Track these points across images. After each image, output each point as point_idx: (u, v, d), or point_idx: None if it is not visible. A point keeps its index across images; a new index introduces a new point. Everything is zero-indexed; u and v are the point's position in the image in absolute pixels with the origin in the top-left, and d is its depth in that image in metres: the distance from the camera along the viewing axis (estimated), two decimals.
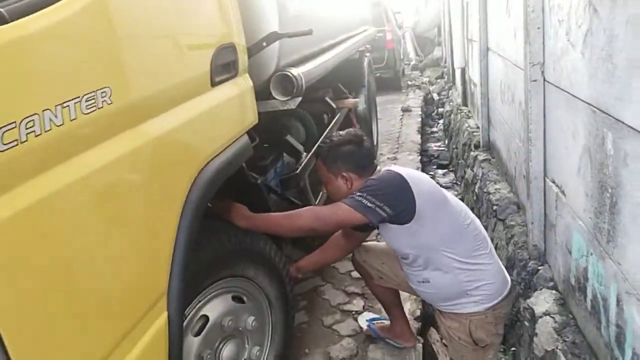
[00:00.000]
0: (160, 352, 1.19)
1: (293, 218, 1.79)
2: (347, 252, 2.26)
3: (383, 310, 2.41)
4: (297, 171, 2.37)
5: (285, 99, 2.25)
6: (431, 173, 6.25)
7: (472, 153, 5.23)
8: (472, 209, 4.77)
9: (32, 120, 0.83)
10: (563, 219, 2.28)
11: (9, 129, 0.79)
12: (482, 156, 4.90)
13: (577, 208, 2.04)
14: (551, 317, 2.26)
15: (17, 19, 0.85)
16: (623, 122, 1.50)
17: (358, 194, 1.70)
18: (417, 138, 6.62)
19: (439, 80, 11.05)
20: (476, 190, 4.64)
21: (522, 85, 2.73)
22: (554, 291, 2.42)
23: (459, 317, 1.87)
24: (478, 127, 5.49)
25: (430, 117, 9.18)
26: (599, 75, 1.68)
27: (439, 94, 9.99)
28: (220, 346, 1.66)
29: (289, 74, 2.23)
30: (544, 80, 2.43)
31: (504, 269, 1.96)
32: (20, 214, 0.81)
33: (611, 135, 1.60)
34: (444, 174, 6.27)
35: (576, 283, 2.11)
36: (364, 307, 2.69)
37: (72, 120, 0.93)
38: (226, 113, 1.68)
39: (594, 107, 1.75)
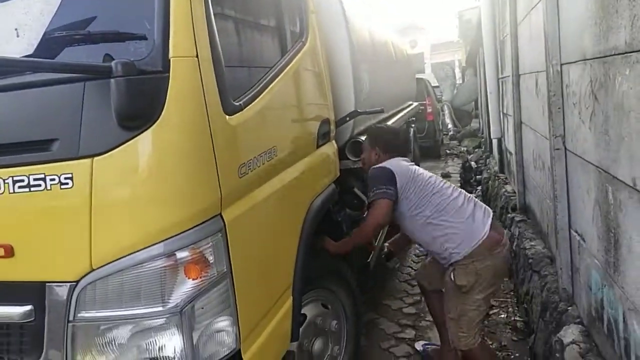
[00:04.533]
0: (288, 319, 1.79)
1: (362, 234, 2.51)
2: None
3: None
4: (364, 215, 2.97)
5: (356, 160, 2.91)
6: None
7: (509, 215, 5.70)
8: (510, 266, 5.19)
9: (249, 162, 1.51)
10: (584, 262, 2.76)
11: (242, 166, 1.46)
12: (518, 217, 5.36)
13: (593, 250, 2.54)
14: (577, 344, 2.68)
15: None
16: (617, 178, 2.06)
17: (375, 189, 2.43)
18: None
19: (476, 150, 11.64)
20: (514, 247, 5.07)
21: (549, 153, 3.30)
22: (580, 325, 2.85)
23: (447, 269, 2.49)
24: (514, 192, 5.98)
25: (468, 184, 9.66)
26: (601, 145, 2.26)
27: (476, 162, 10.53)
28: (313, 340, 2.21)
29: (360, 140, 2.90)
30: (565, 149, 3.00)
31: (476, 226, 2.47)
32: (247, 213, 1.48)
33: (611, 188, 2.15)
34: None
35: (596, 314, 2.56)
36: (415, 335, 3.16)
37: (262, 164, 1.60)
38: (322, 167, 2.35)
39: (600, 168, 2.31)
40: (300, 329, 2.12)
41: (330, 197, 2.32)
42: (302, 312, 2.17)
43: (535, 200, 4.78)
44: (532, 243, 4.56)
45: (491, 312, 4.22)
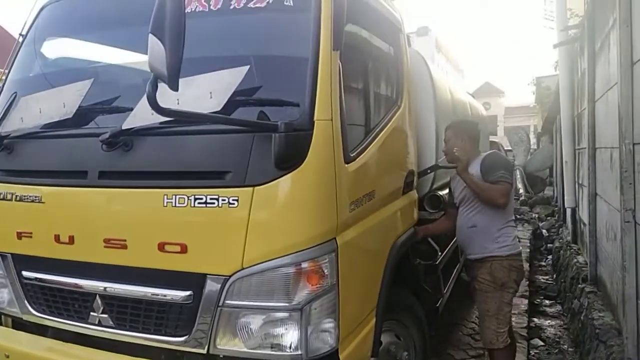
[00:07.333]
0: (370, 338, 2.12)
1: (490, 193, 2.76)
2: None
3: None
4: (436, 262, 3.27)
5: (433, 211, 3.26)
6: (537, 301, 6.64)
7: (579, 286, 5.67)
8: (577, 336, 5.14)
9: (357, 201, 1.93)
10: None
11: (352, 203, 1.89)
12: (588, 288, 5.34)
13: None
14: None
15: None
16: None
17: (504, 172, 2.77)
18: (525, 266, 7.10)
19: (549, 218, 11.42)
20: (582, 318, 5.05)
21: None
22: None
23: (485, 262, 2.83)
24: (586, 264, 5.94)
25: (538, 252, 9.51)
26: None
27: (548, 231, 10.35)
28: None
29: (438, 195, 3.26)
30: (635, 222, 3.17)
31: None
32: (352, 240, 1.88)
33: None
34: (550, 305, 6.60)
35: None
36: None
37: (365, 203, 2.01)
38: (406, 211, 2.73)
39: None
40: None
41: (410, 238, 2.68)
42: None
43: (607, 272, 4.80)
44: (601, 314, 4.56)
45: None
